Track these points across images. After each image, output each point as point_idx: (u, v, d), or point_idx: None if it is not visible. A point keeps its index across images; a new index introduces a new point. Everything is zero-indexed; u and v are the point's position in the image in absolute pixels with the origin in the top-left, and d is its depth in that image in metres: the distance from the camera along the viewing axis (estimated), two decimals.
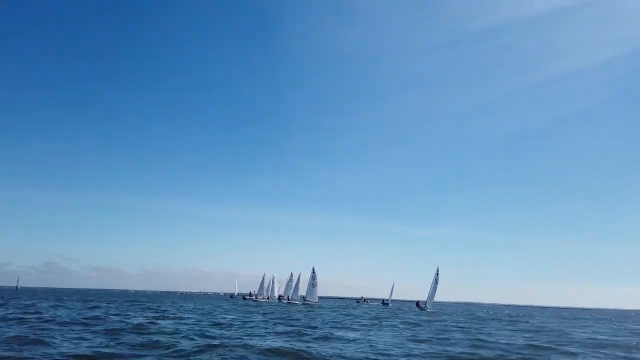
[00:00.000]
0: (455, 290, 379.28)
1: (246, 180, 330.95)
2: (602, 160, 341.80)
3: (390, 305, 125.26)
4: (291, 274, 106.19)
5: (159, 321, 29.14)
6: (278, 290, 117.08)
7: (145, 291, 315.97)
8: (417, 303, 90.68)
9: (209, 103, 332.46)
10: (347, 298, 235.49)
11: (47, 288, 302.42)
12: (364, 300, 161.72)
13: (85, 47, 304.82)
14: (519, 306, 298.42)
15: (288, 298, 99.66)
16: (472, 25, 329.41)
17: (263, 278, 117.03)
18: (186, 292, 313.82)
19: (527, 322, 52.66)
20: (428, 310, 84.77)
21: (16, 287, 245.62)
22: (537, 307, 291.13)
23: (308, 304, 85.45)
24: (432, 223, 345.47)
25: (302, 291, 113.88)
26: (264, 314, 46.40)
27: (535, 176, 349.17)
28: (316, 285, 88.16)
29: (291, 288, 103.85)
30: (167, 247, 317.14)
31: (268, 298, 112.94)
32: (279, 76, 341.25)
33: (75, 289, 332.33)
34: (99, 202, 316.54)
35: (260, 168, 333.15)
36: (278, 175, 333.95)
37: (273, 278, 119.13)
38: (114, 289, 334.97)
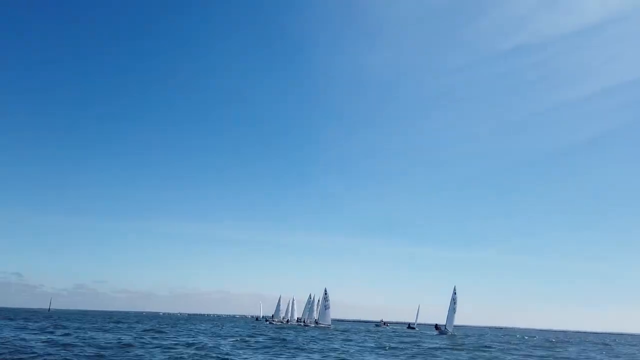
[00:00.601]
0: (484, 313, 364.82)
1: (272, 203, 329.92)
2: None
3: (417, 329, 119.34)
4: (309, 295, 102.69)
5: None
6: (297, 313, 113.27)
7: (174, 314, 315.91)
8: (436, 325, 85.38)
9: (234, 125, 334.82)
10: (368, 321, 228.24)
11: (79, 310, 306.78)
12: (384, 323, 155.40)
13: (149, 79, 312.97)
14: (554, 331, 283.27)
15: (304, 321, 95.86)
16: (499, 44, 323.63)
17: (279, 300, 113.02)
18: (213, 315, 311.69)
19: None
20: (449, 333, 79.40)
21: (49, 309, 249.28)
22: (573, 331, 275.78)
23: (321, 327, 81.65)
24: (460, 246, 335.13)
25: (301, 313, 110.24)
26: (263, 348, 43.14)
27: (567, 197, 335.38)
28: (329, 307, 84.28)
29: (307, 310, 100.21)
30: (195, 270, 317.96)
31: (288, 321, 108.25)
32: (303, 97, 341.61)
33: (106, 311, 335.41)
34: (128, 226, 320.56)
35: (285, 191, 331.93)
36: (303, 198, 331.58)
37: (292, 300, 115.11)
38: (142, 311, 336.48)
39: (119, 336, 38.69)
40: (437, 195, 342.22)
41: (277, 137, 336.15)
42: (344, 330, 78.54)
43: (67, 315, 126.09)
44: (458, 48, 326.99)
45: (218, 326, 77.70)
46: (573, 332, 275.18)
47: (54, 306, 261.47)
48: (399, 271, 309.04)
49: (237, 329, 66.08)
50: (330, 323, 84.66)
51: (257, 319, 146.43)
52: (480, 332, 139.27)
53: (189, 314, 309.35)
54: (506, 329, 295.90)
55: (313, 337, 50.81)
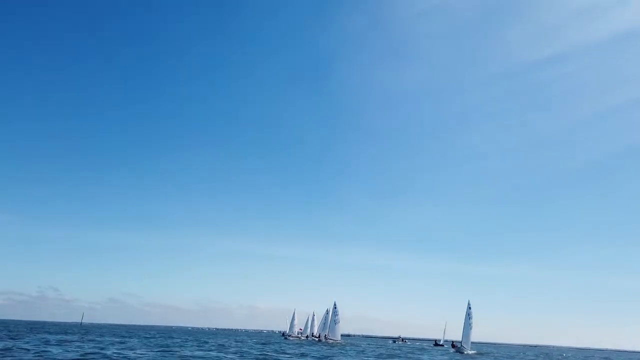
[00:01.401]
0: (516, 331, 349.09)
1: (302, 220, 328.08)
2: None
3: (445, 346, 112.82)
4: (327, 310, 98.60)
5: None
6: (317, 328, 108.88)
7: (202, 328, 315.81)
8: (453, 343, 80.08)
9: (265, 145, 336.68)
10: (386, 337, 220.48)
11: (111, 324, 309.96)
12: (402, 339, 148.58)
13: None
14: (592, 350, 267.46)
15: (319, 336, 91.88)
16: (531, 55, 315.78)
17: (293, 315, 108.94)
18: (242, 330, 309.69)
19: None
20: (466, 351, 73.80)
21: (81, 322, 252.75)
22: (611, 350, 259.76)
23: (330, 342, 77.70)
24: (492, 260, 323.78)
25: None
26: None
27: (603, 211, 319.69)
28: (338, 322, 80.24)
29: (321, 325, 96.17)
30: (224, 285, 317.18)
31: (307, 337, 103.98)
32: (336, 117, 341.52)
33: (138, 325, 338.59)
34: (160, 242, 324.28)
35: (318, 207, 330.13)
36: (335, 214, 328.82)
37: (313, 315, 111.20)
38: (172, 326, 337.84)
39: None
40: (469, 211, 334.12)
41: (308, 158, 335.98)
42: (356, 346, 74.31)
43: (97, 329, 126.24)
44: (489, 61, 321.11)
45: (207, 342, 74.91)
46: (612, 350, 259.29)
47: (87, 320, 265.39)
48: (425, 286, 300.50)
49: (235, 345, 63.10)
50: (339, 338, 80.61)
51: (283, 334, 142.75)
52: (511, 350, 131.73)
53: (216, 329, 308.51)
54: (541, 347, 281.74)
55: (303, 353, 47.30)
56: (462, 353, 72.65)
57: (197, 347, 48.50)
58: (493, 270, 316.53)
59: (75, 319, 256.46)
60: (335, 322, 79.46)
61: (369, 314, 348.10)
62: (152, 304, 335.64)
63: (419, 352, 69.34)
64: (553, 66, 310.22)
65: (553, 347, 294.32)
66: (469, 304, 75.60)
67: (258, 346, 59.22)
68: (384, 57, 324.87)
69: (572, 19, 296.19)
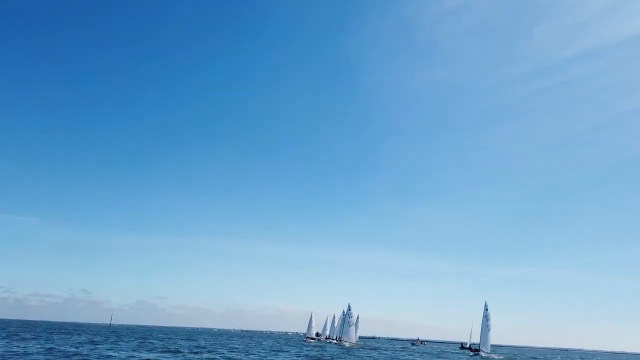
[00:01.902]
0: (541, 334, 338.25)
1: (327, 222, 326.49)
2: None
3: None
4: (343, 311, 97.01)
5: None
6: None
7: (228, 330, 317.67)
8: (470, 346, 77.40)
9: (290, 148, 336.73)
10: (405, 339, 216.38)
11: (139, 325, 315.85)
12: (420, 342, 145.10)
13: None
14: (630, 354, 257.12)
15: (335, 338, 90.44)
16: (559, 52, 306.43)
17: (310, 317, 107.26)
18: (266, 332, 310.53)
19: None
20: (485, 354, 71.23)
21: (109, 324, 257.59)
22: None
23: (344, 344, 76.18)
24: (518, 262, 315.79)
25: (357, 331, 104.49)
26: None
27: (632, 211, 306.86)
28: (352, 324, 78.70)
29: (338, 327, 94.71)
30: (250, 287, 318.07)
31: (327, 338, 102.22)
32: (359, 118, 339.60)
33: (165, 327, 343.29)
34: (188, 245, 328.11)
35: (340, 209, 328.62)
36: (359, 217, 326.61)
37: (333, 316, 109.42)
38: (198, 327, 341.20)
39: None
40: (493, 211, 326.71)
41: (333, 159, 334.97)
42: (369, 349, 72.58)
43: (125, 330, 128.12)
44: (518, 59, 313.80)
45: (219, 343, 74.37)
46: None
47: (116, 321, 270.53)
48: (449, 288, 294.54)
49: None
50: (354, 340, 78.96)
51: (317, 337, 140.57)
52: (536, 353, 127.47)
53: (242, 330, 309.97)
54: (571, 350, 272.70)
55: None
56: (481, 356, 70.22)
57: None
58: (517, 271, 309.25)
59: (104, 320, 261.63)
60: (349, 324, 77.94)
61: (392, 316, 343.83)
62: (178, 306, 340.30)
63: (428, 355, 67.15)
64: (581, 63, 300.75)
65: (582, 350, 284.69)
66: (485, 305, 73.13)
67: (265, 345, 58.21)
68: (408, 56, 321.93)
69: (600, 15, 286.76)
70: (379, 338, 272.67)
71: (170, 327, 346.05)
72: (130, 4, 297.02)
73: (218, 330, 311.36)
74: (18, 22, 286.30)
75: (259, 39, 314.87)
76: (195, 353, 41.74)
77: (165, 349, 44.28)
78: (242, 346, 60.28)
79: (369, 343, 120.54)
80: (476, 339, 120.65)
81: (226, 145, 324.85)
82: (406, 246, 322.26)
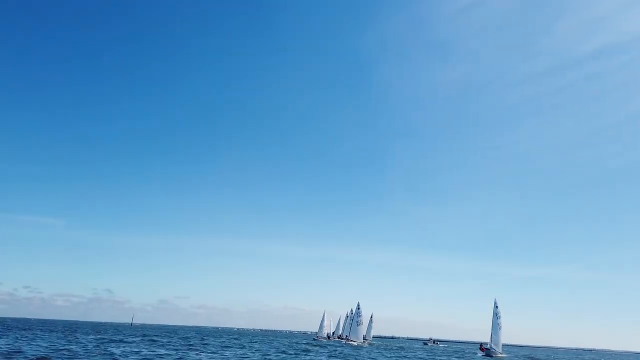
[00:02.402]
0: (568, 335, 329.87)
1: (345, 221, 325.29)
2: None
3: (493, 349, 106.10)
4: (351, 310, 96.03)
5: None
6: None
7: (248, 329, 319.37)
8: (481, 346, 75.35)
9: (304, 147, 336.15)
10: (417, 339, 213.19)
11: (160, 325, 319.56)
12: (434, 341, 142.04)
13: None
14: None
15: (344, 337, 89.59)
16: (579, 47, 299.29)
17: (323, 316, 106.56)
18: (286, 331, 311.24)
19: None
20: (496, 354, 69.32)
21: (131, 323, 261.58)
22: None
23: (350, 343, 75.24)
24: (540, 262, 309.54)
25: (364, 331, 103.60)
26: None
27: None
28: (361, 324, 77.80)
29: (348, 326, 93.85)
30: (270, 287, 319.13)
31: (339, 337, 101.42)
32: (376, 117, 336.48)
33: (186, 326, 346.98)
34: (208, 245, 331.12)
35: (358, 209, 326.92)
36: (376, 216, 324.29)
37: (346, 316, 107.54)
38: (218, 327, 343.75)
39: None
40: (514, 211, 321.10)
41: (347, 159, 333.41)
42: (374, 348, 71.39)
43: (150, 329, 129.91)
44: (537, 55, 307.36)
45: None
46: None
47: (138, 321, 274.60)
48: (468, 287, 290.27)
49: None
50: (361, 340, 77.93)
51: (327, 336, 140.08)
52: (559, 353, 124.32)
53: (261, 330, 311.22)
54: (597, 351, 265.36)
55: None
56: (492, 356, 68.33)
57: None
58: (538, 270, 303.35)
59: (126, 320, 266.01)
60: (357, 323, 76.98)
61: (415, 316, 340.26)
62: (199, 306, 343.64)
63: (428, 355, 65.63)
64: (603, 58, 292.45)
65: (609, 351, 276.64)
66: (495, 303, 71.21)
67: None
68: (423, 55, 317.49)
69: (620, 9, 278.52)
70: (398, 338, 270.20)
71: (192, 327, 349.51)
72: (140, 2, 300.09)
73: (238, 329, 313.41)
74: (35, 22, 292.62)
75: (271, 38, 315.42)
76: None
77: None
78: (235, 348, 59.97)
79: (384, 342, 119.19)
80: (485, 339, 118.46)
81: (244, 146, 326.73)
82: (425, 246, 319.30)
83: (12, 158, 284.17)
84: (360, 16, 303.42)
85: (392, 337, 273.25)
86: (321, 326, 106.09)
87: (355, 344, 74.35)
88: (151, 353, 37.54)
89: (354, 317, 77.17)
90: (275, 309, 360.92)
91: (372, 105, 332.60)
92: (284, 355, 43.53)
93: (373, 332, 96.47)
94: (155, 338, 63.60)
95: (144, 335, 71.31)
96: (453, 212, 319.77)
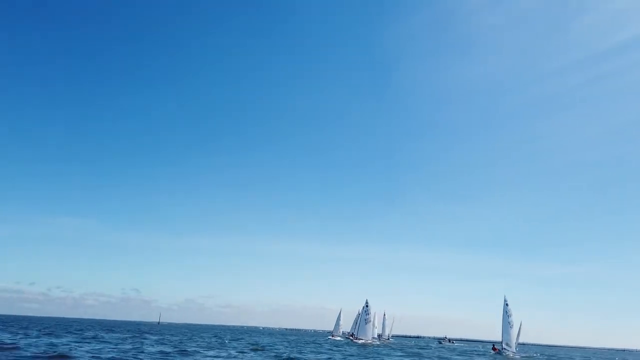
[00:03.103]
0: (596, 334, 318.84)
1: (368, 220, 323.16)
2: None
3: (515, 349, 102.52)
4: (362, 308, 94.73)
5: None
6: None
7: (273, 328, 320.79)
8: (494, 346, 72.72)
9: (326, 145, 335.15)
10: (432, 337, 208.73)
11: (187, 324, 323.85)
12: (448, 340, 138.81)
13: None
14: None
15: (352, 335, 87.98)
16: (604, 41, 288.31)
17: (339, 315, 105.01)
18: (311, 330, 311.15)
19: None
20: (508, 353, 66.53)
21: (158, 322, 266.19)
22: None
23: (359, 342, 73.72)
24: (564, 261, 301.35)
25: (379, 329, 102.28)
26: None
27: None
28: (370, 322, 76.19)
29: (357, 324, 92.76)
30: (294, 286, 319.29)
31: (351, 336, 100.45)
32: (398, 115, 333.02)
33: (211, 325, 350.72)
34: (234, 245, 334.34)
35: (380, 207, 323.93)
36: (397, 213, 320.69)
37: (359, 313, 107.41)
38: (244, 325, 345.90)
39: None
40: (539, 208, 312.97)
41: (367, 156, 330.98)
42: (386, 347, 69.59)
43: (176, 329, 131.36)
44: (561, 49, 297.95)
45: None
46: None
47: (165, 320, 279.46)
48: (489, 286, 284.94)
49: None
50: (370, 338, 76.24)
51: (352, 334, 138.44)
52: (588, 353, 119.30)
53: (286, 329, 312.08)
54: (630, 350, 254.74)
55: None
56: (503, 355, 65.60)
57: None
58: (566, 269, 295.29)
59: (153, 318, 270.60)
60: (365, 321, 75.37)
61: (442, 314, 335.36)
62: (225, 305, 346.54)
63: (450, 354, 63.43)
64: (630, 51, 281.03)
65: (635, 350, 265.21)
66: (505, 300, 68.41)
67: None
68: (446, 51, 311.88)
69: None
70: (423, 337, 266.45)
71: (218, 325, 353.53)
72: None
73: (263, 328, 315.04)
74: (55, 19, 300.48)
75: (291, 36, 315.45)
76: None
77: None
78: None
79: (403, 342, 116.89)
80: (521, 339, 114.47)
81: (264, 143, 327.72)
82: (451, 244, 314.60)
83: (43, 160, 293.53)
84: (381, 13, 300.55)
85: (418, 337, 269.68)
86: (337, 325, 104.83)
87: (361, 342, 72.79)
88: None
89: (361, 315, 75.47)
90: (301, 308, 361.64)
91: (395, 102, 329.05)
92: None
93: (395, 331, 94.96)
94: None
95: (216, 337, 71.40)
96: (475, 210, 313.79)
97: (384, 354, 48.31)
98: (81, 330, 72.05)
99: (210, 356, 34.93)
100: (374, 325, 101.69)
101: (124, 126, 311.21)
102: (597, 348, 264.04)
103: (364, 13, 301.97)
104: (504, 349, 67.22)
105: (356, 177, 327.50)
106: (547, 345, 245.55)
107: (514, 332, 67.99)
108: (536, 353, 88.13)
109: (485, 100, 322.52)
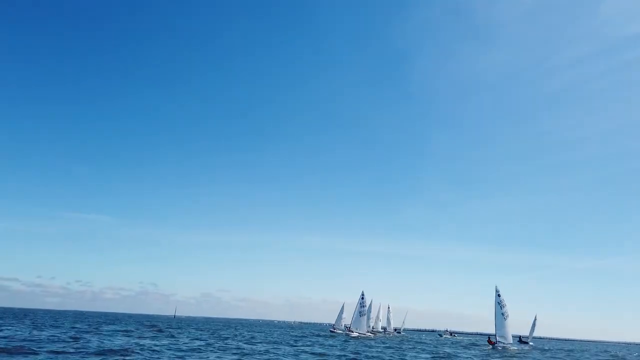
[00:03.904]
0: (614, 327, 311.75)
1: (386, 213, 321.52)
2: None
3: (532, 343, 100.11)
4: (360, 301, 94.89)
5: None
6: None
7: (288, 322, 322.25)
8: (489, 339, 71.42)
9: (343, 141, 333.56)
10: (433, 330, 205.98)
11: (203, 317, 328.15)
12: (450, 333, 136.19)
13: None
14: None
15: (348, 328, 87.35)
16: (623, 30, 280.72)
17: (342, 308, 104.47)
18: (326, 324, 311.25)
19: None
20: (505, 347, 65.15)
21: (174, 315, 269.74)
22: None
23: (350, 334, 73.31)
24: (583, 253, 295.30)
25: (383, 322, 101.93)
26: None
27: None
28: (364, 314, 75.43)
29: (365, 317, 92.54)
30: (309, 280, 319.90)
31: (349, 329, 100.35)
32: (414, 108, 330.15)
33: (228, 318, 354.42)
34: (251, 240, 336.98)
35: (396, 201, 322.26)
36: (415, 208, 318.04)
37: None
38: (259, 319, 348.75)
39: None
40: (557, 201, 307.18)
41: (385, 149, 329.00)
42: (397, 345, 69.08)
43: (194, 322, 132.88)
44: (579, 39, 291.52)
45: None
46: None
47: (182, 313, 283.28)
48: (507, 280, 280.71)
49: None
50: (364, 331, 75.61)
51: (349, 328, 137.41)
52: (610, 348, 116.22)
53: (301, 322, 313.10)
54: None
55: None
56: (497, 349, 64.33)
57: None
58: (584, 263, 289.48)
59: (171, 312, 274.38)
60: (360, 313, 74.62)
61: (459, 308, 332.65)
62: (241, 299, 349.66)
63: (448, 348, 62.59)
64: None
65: None
66: (497, 290, 66.49)
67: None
68: (464, 42, 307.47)
69: None
70: (438, 331, 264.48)
71: (234, 319, 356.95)
72: None
73: (278, 322, 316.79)
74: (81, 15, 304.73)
75: (308, 33, 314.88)
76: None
77: None
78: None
79: (409, 336, 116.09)
80: (537, 333, 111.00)
81: (283, 139, 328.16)
82: (463, 237, 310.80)
83: (64, 159, 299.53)
84: (397, 5, 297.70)
85: (433, 330, 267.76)
86: (339, 318, 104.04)
87: (354, 334, 72.35)
88: None
89: (357, 307, 74.87)
90: (315, 301, 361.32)
91: (414, 96, 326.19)
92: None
93: (411, 325, 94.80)
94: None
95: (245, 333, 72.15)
96: (498, 204, 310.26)
97: (351, 346, 47.94)
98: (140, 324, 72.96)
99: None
100: (377, 318, 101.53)
101: (140, 124, 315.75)
102: (628, 343, 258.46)
103: (380, 7, 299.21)
104: (499, 341, 65.90)
105: (376, 171, 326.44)
106: (572, 340, 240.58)
107: (509, 323, 66.55)
108: (547, 347, 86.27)
109: (504, 93, 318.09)
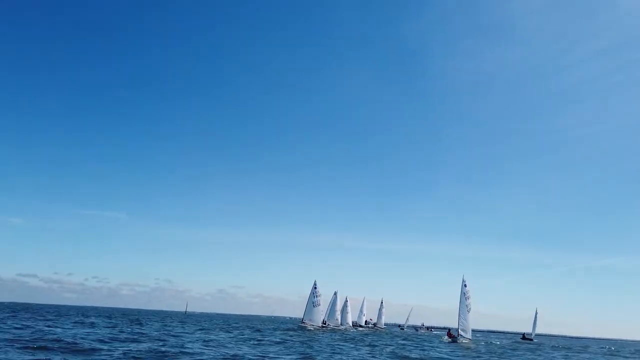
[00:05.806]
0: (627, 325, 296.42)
1: (398, 211, 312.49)
2: None
3: (535, 340, 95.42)
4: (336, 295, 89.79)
5: None
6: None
7: (298, 318, 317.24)
8: (449, 332, 63.54)
9: (351, 137, 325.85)
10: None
11: (218, 313, 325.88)
12: (426, 328, 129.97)
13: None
14: None
15: (323, 322, 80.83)
16: None
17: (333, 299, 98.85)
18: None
19: None
20: (463, 340, 57.48)
21: (185, 312, 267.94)
22: None
23: (304, 326, 66.55)
24: (590, 252, 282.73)
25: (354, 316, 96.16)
26: None
27: None
28: (318, 305, 68.35)
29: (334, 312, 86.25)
30: (323, 276, 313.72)
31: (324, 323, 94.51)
32: (426, 104, 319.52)
33: (242, 315, 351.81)
34: (264, 236, 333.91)
35: (410, 197, 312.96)
36: (428, 204, 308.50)
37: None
38: (272, 315, 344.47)
39: None
40: (569, 200, 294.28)
41: (396, 147, 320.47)
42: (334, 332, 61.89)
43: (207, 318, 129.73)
44: (597, 32, 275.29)
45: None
46: None
47: (197, 309, 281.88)
48: (514, 277, 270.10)
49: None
50: (318, 324, 68.76)
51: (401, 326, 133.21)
52: (616, 345, 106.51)
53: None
54: None
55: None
56: (457, 343, 56.57)
57: None
58: (596, 261, 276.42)
59: (188, 308, 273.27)
60: (314, 304, 67.51)
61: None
62: (255, 295, 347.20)
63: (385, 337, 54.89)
64: None
65: None
66: (463, 281, 58.44)
67: None
68: (477, 37, 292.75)
69: None
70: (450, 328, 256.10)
71: (247, 315, 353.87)
72: None
73: (290, 318, 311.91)
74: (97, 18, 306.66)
75: (320, 30, 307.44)
76: None
77: None
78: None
79: (391, 329, 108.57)
80: (539, 329, 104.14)
81: (293, 140, 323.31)
82: (471, 234, 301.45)
83: (82, 158, 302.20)
84: (411, 0, 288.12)
85: (444, 328, 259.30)
86: (332, 311, 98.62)
87: (309, 326, 65.87)
88: None
89: (309, 298, 67.80)
90: (328, 298, 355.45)
91: (427, 93, 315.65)
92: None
93: (411, 321, 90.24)
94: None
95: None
96: (510, 200, 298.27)
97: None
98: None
99: None
100: (344, 311, 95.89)
101: (157, 124, 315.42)
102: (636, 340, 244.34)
103: (392, 3, 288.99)
104: (460, 335, 57.89)
105: (392, 167, 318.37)
106: (576, 337, 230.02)
107: (471, 316, 58.56)
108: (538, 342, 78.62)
109: (518, 88, 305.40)
